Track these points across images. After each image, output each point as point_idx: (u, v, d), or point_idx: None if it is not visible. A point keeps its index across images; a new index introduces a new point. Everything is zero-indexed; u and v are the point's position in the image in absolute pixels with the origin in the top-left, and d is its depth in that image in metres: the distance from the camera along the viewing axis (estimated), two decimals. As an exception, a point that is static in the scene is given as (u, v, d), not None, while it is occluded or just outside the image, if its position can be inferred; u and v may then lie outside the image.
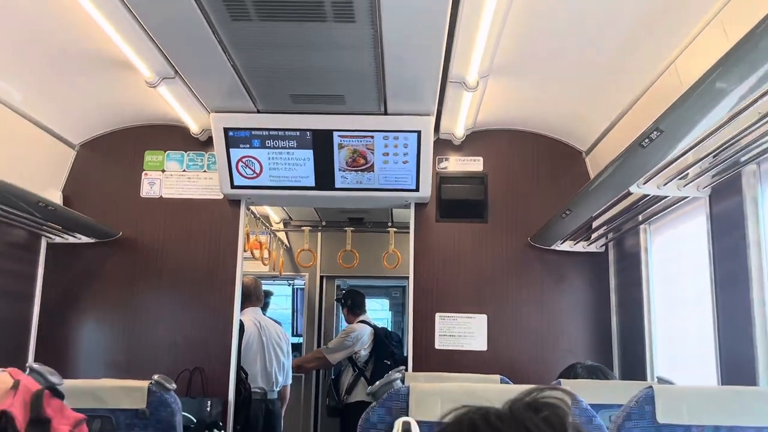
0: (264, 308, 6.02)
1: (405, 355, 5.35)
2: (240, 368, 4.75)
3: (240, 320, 4.80)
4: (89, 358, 4.51)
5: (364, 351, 5.81)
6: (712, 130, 2.42)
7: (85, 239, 4.54)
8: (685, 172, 2.91)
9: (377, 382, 2.05)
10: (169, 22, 2.97)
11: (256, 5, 2.82)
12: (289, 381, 5.63)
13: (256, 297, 5.39)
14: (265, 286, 6.09)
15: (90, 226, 4.40)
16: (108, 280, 4.58)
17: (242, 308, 4.98)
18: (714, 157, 2.72)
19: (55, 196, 4.44)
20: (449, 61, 3.46)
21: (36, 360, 4.02)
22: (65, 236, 4.49)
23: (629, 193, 3.15)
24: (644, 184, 2.99)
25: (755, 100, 2.15)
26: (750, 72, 1.96)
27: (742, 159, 2.68)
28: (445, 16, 2.88)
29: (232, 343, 4.47)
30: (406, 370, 4.21)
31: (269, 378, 5.27)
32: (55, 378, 2.13)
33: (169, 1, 2.75)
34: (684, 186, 3.03)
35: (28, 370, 2.10)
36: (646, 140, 2.45)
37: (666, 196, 3.16)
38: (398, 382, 2.04)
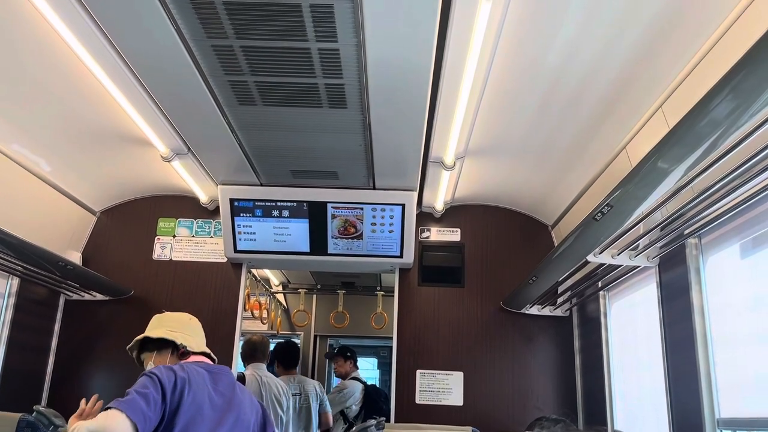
0: (294, 365, 5.58)
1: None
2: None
3: (242, 374, 4.72)
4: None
5: (354, 406, 5.67)
6: (656, 206, 2.48)
7: (100, 297, 4.51)
8: (636, 244, 2.95)
9: (355, 427, 2.03)
10: (184, 104, 3.06)
11: (261, 92, 2.91)
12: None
13: (261, 353, 5.18)
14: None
15: (105, 284, 4.38)
16: (118, 334, 4.49)
17: (248, 363, 4.89)
18: (661, 230, 2.78)
19: (75, 257, 4.43)
20: (429, 143, 3.55)
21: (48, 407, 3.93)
22: (82, 293, 4.46)
23: (587, 262, 3.18)
24: (600, 254, 3.03)
25: (692, 179, 2.22)
26: (686, 154, 2.03)
27: (685, 232, 2.73)
28: (425, 105, 2.97)
29: (230, 394, 4.37)
30: (388, 421, 4.12)
31: (265, 431, 5.11)
32: (58, 420, 2.10)
33: (183, 86, 2.84)
34: (635, 256, 3.07)
35: (35, 412, 2.07)
36: (599, 214, 2.49)
37: (620, 265, 3.19)
38: (373, 428, 2.02)
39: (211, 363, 2.25)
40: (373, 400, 5.73)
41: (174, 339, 2.18)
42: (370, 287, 6.75)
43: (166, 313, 2.39)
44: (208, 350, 2.31)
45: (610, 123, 3.13)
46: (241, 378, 4.70)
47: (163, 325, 2.28)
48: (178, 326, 2.29)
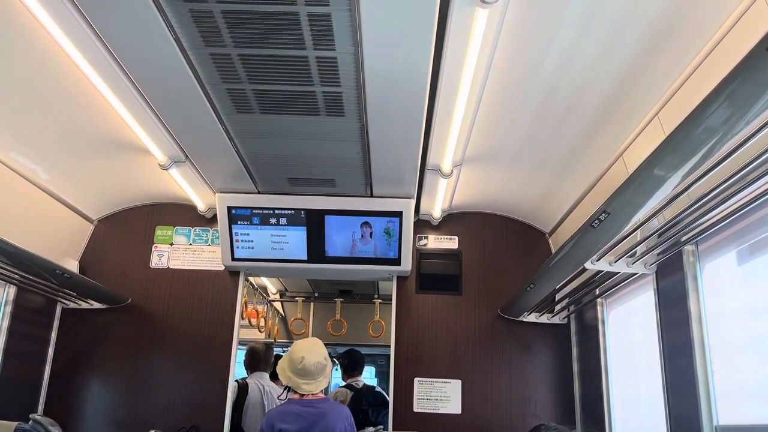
0: None
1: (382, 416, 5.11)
2: (240, 429, 4.57)
3: (246, 382, 4.70)
4: (94, 416, 4.38)
5: None
6: (653, 213, 2.48)
7: (97, 305, 4.49)
8: (633, 251, 2.95)
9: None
10: (182, 112, 3.06)
11: (258, 100, 2.92)
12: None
13: (264, 362, 5.12)
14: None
15: (102, 292, 4.37)
16: (116, 343, 4.51)
17: (251, 372, 4.86)
18: (658, 237, 2.78)
19: (72, 265, 4.42)
20: (427, 151, 3.56)
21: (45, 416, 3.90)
22: (79, 302, 4.44)
23: (585, 269, 3.18)
24: (597, 261, 3.03)
25: (689, 186, 2.22)
26: (682, 161, 2.03)
27: (682, 239, 2.73)
28: (422, 113, 2.98)
29: (227, 404, 4.37)
30: (385, 430, 4.10)
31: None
32: (55, 429, 2.09)
33: (181, 94, 2.85)
34: (633, 263, 3.07)
35: (31, 421, 2.05)
36: (596, 221, 2.50)
37: (617, 272, 3.19)
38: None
39: (306, 397, 3.12)
40: (356, 407, 5.63)
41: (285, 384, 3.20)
42: (368, 295, 6.73)
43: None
44: (302, 385, 3.10)
45: (607, 130, 3.14)
46: (243, 385, 4.68)
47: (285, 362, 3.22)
48: (286, 364, 3.16)
